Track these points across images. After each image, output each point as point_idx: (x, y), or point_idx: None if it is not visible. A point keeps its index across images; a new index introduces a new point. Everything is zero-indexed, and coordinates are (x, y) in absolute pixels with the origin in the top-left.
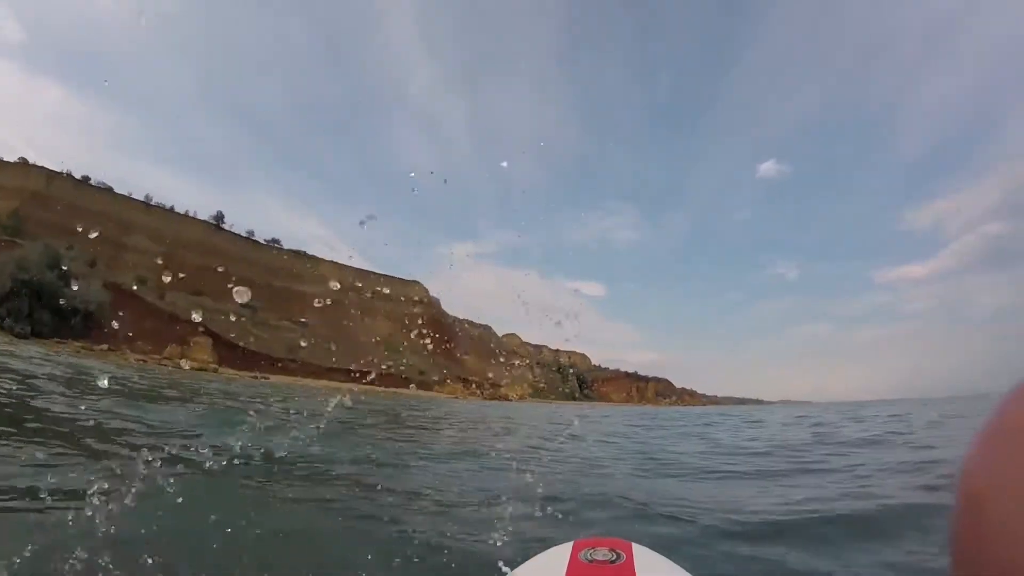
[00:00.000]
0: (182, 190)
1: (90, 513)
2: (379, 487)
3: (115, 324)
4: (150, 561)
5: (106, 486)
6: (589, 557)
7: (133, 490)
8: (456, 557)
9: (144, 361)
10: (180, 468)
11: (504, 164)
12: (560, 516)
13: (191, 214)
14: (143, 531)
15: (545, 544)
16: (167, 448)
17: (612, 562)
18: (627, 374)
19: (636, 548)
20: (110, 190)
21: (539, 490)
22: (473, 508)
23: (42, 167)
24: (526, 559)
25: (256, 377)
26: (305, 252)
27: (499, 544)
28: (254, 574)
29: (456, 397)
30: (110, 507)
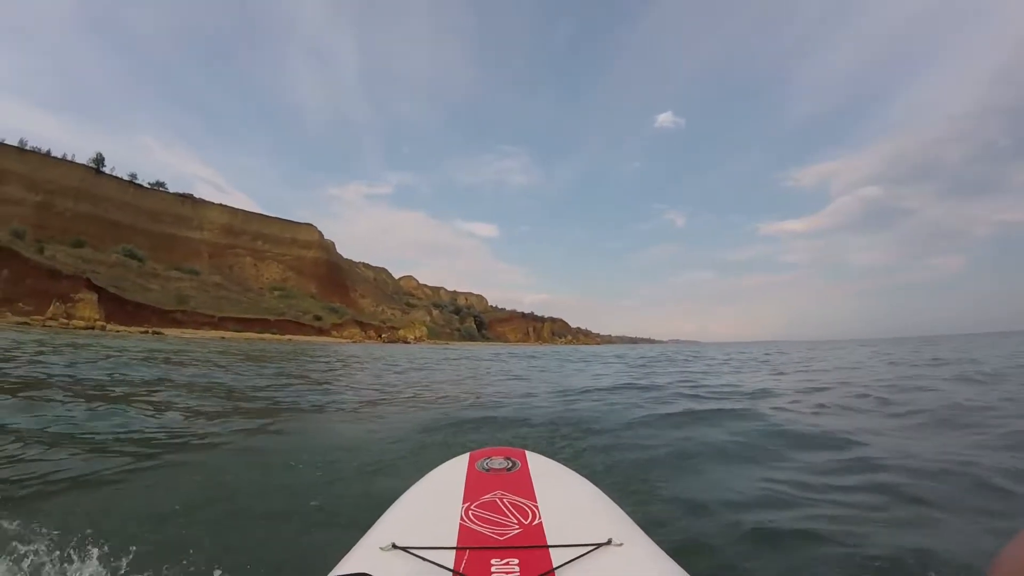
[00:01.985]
0: (58, 132)
1: None
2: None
3: None
4: None
5: None
6: (486, 466)
7: None
8: (352, 477)
9: (26, 323)
10: None
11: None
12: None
13: (69, 158)
14: None
15: (441, 460)
16: None
17: (508, 469)
18: (523, 315)
19: (530, 455)
20: None
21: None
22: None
23: None
24: (423, 475)
25: (147, 332)
26: (192, 195)
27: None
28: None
29: (353, 341)
30: None
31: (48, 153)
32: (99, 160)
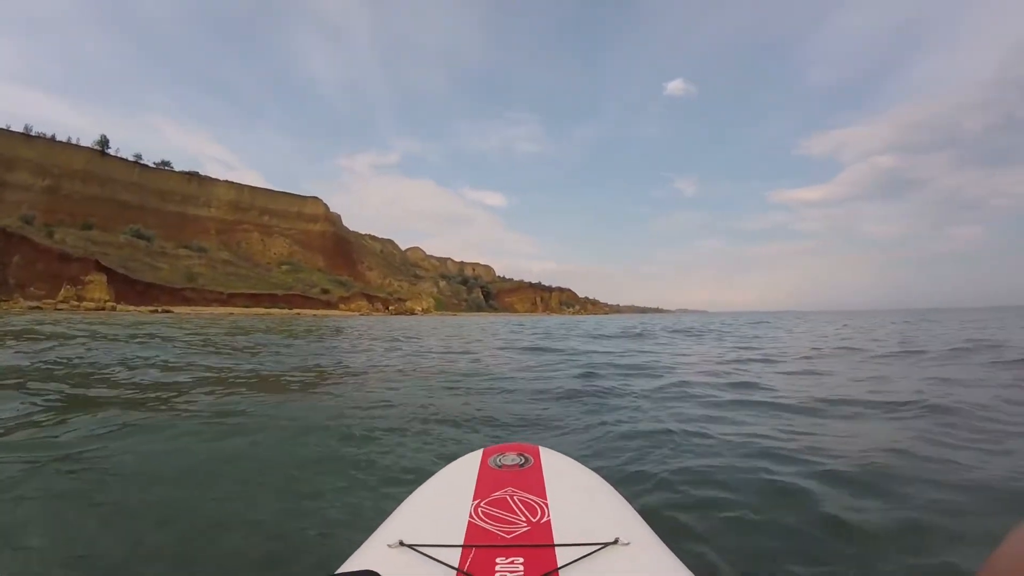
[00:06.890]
0: (65, 115)
1: None
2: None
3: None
4: None
5: None
6: (499, 463)
7: None
8: (366, 467)
9: (39, 308)
10: None
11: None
12: None
13: (74, 141)
14: None
15: (454, 455)
16: None
17: (521, 466)
18: (531, 284)
19: (543, 451)
20: None
21: None
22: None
23: None
24: (435, 471)
25: (156, 311)
26: (198, 173)
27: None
28: None
29: (360, 314)
30: None
31: (54, 137)
32: (104, 142)
